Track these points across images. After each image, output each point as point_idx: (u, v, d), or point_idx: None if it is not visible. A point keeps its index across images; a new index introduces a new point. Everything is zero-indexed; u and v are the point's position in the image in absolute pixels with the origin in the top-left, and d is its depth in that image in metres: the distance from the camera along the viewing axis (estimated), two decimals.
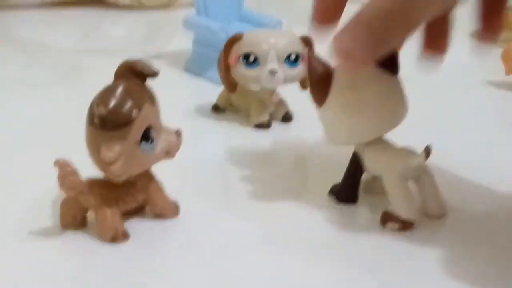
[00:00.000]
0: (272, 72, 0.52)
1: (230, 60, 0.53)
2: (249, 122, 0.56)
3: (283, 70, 0.53)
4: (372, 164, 0.41)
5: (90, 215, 0.39)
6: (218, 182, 0.48)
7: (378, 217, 0.41)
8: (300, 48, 0.54)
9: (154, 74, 0.37)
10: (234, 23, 0.68)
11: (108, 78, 0.38)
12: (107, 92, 0.36)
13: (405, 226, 0.40)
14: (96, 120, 0.35)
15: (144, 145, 0.37)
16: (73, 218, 0.39)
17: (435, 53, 0.41)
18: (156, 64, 0.38)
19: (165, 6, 0.94)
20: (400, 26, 0.35)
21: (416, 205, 0.41)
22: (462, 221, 0.42)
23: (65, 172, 0.36)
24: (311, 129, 0.55)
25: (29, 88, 0.64)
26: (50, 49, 0.77)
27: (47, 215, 0.40)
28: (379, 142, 0.41)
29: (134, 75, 0.37)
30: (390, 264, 0.38)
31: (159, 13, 0.92)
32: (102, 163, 0.36)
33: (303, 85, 0.56)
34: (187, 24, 0.68)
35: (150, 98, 0.37)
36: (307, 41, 0.54)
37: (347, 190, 0.43)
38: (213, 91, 0.59)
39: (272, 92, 0.55)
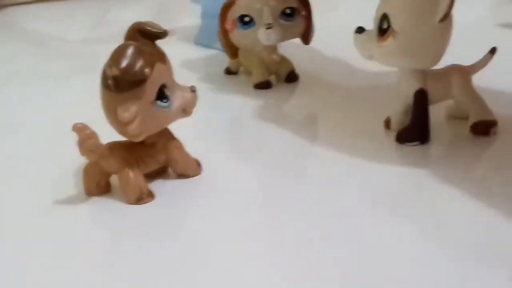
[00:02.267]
0: (268, 27, 0.52)
1: (227, 25, 0.53)
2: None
3: (279, 25, 0.52)
4: (440, 85, 0.43)
5: (113, 180, 0.39)
6: (235, 140, 0.48)
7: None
8: (294, 3, 0.53)
9: (164, 33, 0.37)
10: None
11: None
12: (118, 53, 0.36)
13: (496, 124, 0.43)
14: (110, 82, 0.35)
15: (160, 103, 0.37)
16: (97, 184, 0.39)
17: None
18: (167, 40, 0.38)
19: None
20: None
21: None
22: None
23: (84, 135, 0.36)
24: (318, 88, 0.55)
25: (48, 80, 0.64)
26: (62, 41, 0.78)
27: (72, 185, 0.40)
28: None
29: (143, 36, 0.37)
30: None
31: None
32: (120, 125, 0.36)
33: (304, 40, 0.55)
34: None
35: (161, 57, 0.37)
36: None
37: (420, 129, 0.43)
38: (223, 59, 0.59)
39: (273, 50, 0.55)
